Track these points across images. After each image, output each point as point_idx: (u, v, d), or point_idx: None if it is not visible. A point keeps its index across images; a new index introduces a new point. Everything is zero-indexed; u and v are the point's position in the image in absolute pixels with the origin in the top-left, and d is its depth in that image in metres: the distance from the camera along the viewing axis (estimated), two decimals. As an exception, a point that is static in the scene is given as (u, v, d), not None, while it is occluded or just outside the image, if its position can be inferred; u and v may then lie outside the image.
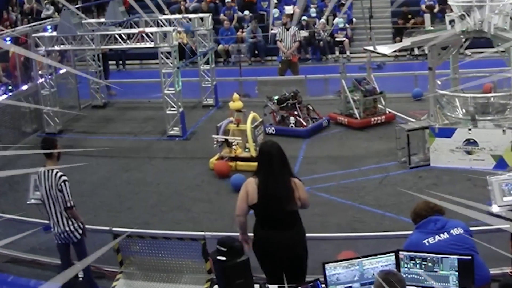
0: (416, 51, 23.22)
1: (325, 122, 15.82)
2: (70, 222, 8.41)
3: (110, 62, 22.25)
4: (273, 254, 7.15)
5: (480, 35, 12.84)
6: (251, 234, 7.42)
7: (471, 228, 6.60)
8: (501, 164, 12.09)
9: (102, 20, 18.12)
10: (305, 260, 7.30)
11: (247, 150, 13.44)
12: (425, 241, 6.35)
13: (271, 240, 7.14)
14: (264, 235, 7.20)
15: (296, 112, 15.39)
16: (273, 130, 15.48)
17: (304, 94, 16.90)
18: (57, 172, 8.30)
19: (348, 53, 24.30)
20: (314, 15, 25.15)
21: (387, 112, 15.79)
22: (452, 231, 6.37)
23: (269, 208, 7.16)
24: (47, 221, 8.63)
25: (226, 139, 13.53)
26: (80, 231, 8.49)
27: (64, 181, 8.31)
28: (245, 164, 13.02)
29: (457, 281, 5.97)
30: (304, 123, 15.33)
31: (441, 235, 6.36)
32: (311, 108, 15.91)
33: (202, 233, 8.43)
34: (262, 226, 7.24)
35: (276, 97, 15.66)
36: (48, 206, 8.41)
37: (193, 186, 12.90)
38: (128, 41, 15.79)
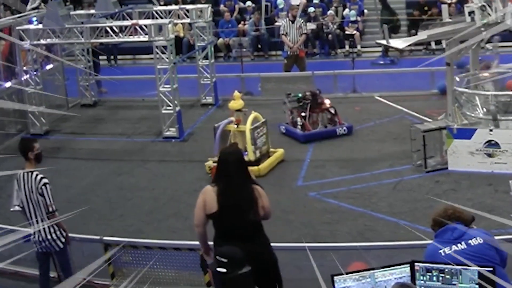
0: (433, 45, 23.22)
1: (341, 129, 15.22)
2: (52, 229, 8.37)
3: (100, 57, 22.23)
4: None
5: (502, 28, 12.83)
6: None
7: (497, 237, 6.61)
8: (525, 167, 12.09)
9: (92, 11, 18.16)
10: (275, 270, 7.34)
11: (246, 153, 13.42)
12: (441, 251, 6.34)
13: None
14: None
15: (303, 114, 15.25)
16: (283, 129, 15.54)
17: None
18: (37, 175, 8.29)
19: (359, 47, 24.30)
20: (316, 0, 25.19)
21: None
22: (470, 241, 6.35)
23: (229, 218, 7.14)
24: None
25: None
26: (63, 240, 8.46)
27: (45, 184, 8.28)
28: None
29: (477, 295, 5.95)
30: (309, 127, 15.18)
31: (458, 245, 6.35)
32: (333, 111, 15.43)
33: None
34: (223, 238, 7.20)
35: (299, 95, 15.53)
36: (28, 211, 8.38)
37: (191, 192, 12.88)
38: (120, 35, 15.80)
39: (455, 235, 6.40)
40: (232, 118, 13.60)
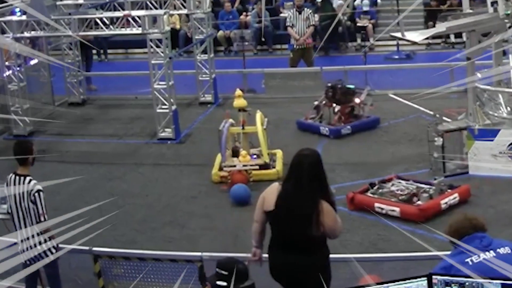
0: (452, 39, 23.21)
1: (345, 130, 15.39)
2: (42, 240, 8.37)
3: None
4: (287, 281, 7.19)
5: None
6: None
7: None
8: (553, 172, 12.09)
9: (81, 1, 18.17)
10: None
11: (254, 156, 13.42)
12: (469, 259, 6.34)
13: (284, 263, 7.16)
14: (277, 257, 7.25)
15: (334, 108, 15.63)
16: (306, 125, 15.92)
17: (320, 88, 16.89)
18: (30, 180, 8.29)
19: (371, 40, 24.29)
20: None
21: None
22: (499, 250, 6.37)
23: (283, 224, 7.20)
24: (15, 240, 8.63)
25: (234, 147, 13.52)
26: (54, 251, 8.47)
27: (39, 191, 8.26)
28: (261, 173, 13.07)
29: (500, 311, 5.95)
30: (340, 122, 15.48)
31: (487, 253, 6.35)
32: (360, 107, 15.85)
33: (199, 253, 8.43)
34: (274, 243, 7.30)
35: (351, 86, 15.90)
36: (17, 219, 8.37)
37: (188, 198, 12.90)
38: (111, 27, 15.83)
39: (484, 243, 6.41)
40: (231, 120, 13.54)
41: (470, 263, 6.32)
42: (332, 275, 7.49)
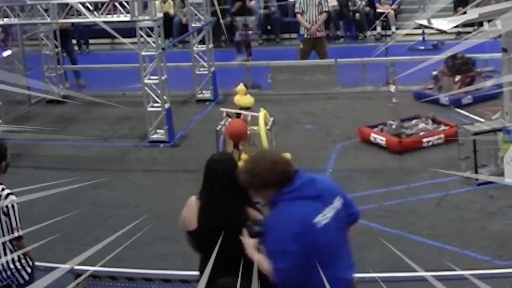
0: (486, 27, 23.20)
1: (465, 99, 16.61)
2: (16, 257, 8.37)
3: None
4: None
5: None
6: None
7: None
8: None
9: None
10: None
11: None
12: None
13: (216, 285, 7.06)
14: (211, 281, 7.17)
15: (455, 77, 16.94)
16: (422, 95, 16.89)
17: (334, 83, 16.92)
18: (3, 189, 8.28)
19: (393, 29, 24.31)
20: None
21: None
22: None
23: (210, 242, 7.09)
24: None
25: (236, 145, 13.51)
26: (29, 270, 8.47)
27: (12, 201, 8.25)
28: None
29: None
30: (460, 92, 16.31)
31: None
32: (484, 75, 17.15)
33: (196, 272, 8.44)
34: (205, 264, 7.17)
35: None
36: (-14, 233, 8.38)
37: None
38: (95, 13, 15.84)
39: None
40: (231, 119, 13.54)
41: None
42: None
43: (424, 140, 14.64)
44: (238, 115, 13.47)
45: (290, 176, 6.14)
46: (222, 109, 13.77)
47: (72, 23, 19.36)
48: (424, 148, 14.43)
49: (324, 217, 6.10)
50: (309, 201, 6.12)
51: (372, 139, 14.84)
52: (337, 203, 6.24)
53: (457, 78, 16.76)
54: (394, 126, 14.71)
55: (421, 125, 15.08)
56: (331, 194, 6.28)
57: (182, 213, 7.50)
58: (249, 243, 6.60)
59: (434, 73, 17.25)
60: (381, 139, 14.69)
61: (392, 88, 15.12)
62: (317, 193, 6.16)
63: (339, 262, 6.28)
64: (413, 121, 15.20)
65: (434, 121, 15.29)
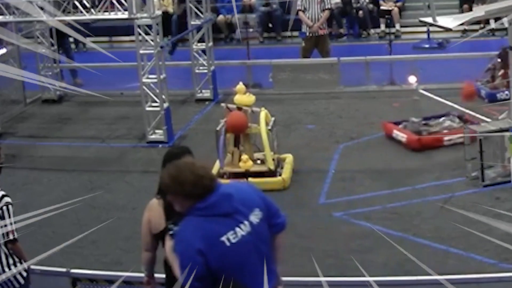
0: (493, 24, 23.20)
1: (501, 94, 16.57)
2: (11, 261, 8.37)
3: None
4: None
5: None
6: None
7: None
8: None
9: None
10: None
11: (258, 161, 13.42)
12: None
13: None
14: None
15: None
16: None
17: (337, 82, 16.92)
18: (-2, 191, 8.28)
19: (397, 26, 24.31)
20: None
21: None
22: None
23: None
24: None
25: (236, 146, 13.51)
26: (25, 275, 8.46)
27: (8, 204, 8.23)
28: (262, 182, 12.86)
29: None
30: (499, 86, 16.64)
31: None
32: None
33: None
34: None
35: None
36: (-20, 236, 8.37)
37: (182, 211, 12.91)
38: (92, 11, 15.83)
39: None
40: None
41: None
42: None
43: (446, 138, 14.65)
44: (239, 108, 13.51)
45: (210, 192, 6.10)
46: (222, 104, 13.78)
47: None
48: (432, 149, 14.38)
49: (235, 235, 6.05)
50: (220, 218, 6.05)
51: (394, 135, 14.99)
52: (254, 217, 6.18)
53: (501, 72, 16.54)
54: (415, 123, 14.83)
55: (447, 123, 15.15)
56: (249, 208, 6.21)
57: (145, 219, 7.58)
58: (169, 244, 6.87)
59: (489, 65, 17.33)
60: (402, 136, 14.80)
61: (415, 85, 15.40)
62: (232, 210, 6.08)
63: (255, 275, 6.21)
64: (441, 119, 15.29)
65: (460, 118, 15.31)
